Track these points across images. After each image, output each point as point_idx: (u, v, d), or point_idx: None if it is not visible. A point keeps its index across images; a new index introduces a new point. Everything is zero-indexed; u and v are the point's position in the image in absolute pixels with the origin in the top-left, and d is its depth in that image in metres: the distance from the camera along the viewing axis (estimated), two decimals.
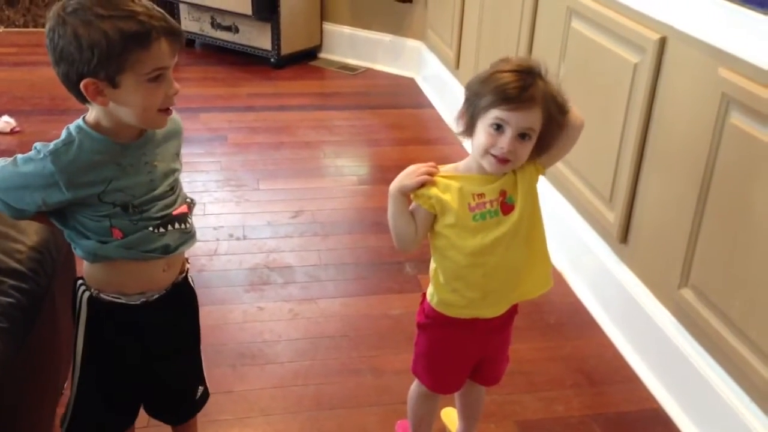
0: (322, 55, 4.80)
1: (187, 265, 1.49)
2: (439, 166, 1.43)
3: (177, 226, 1.37)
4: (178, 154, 1.41)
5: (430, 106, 4.12)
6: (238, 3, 4.38)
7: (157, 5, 1.26)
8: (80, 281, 1.39)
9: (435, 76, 4.15)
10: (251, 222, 2.85)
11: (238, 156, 3.42)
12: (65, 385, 1.75)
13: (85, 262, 1.36)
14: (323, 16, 4.73)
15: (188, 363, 1.55)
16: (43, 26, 1.23)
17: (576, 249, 2.52)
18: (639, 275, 2.19)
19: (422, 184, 1.39)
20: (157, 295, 1.40)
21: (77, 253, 1.35)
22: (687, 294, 1.93)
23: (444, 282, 1.46)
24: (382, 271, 2.57)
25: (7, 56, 4.62)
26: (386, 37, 4.57)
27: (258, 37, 4.53)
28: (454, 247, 1.42)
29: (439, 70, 4.06)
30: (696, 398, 1.90)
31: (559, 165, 2.58)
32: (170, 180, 1.36)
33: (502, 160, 1.35)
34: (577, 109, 1.41)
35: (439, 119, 3.91)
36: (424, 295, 1.55)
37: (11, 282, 1.48)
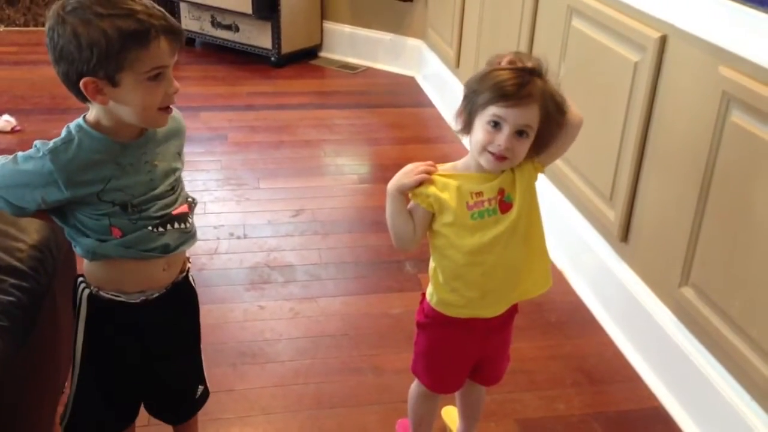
0: (323, 54, 4.80)
1: (188, 265, 1.49)
2: (437, 165, 1.43)
3: (177, 225, 1.37)
4: (179, 154, 1.41)
5: (430, 105, 4.12)
6: (239, 2, 4.38)
7: (157, 4, 1.26)
8: (80, 279, 1.39)
9: (435, 75, 4.15)
10: (252, 221, 2.85)
11: (238, 155, 3.42)
12: (66, 383, 1.76)
13: (85, 260, 1.36)
14: (323, 14, 4.73)
15: (188, 362, 1.55)
16: (44, 25, 1.23)
17: (576, 248, 2.52)
18: (639, 274, 2.19)
19: (420, 183, 1.39)
20: (156, 294, 1.40)
21: (77, 251, 1.35)
22: (687, 292, 1.93)
23: (443, 281, 1.46)
24: (382, 270, 2.57)
25: (7, 55, 4.62)
26: (386, 36, 4.57)
27: (258, 36, 4.53)
28: (452, 245, 1.42)
29: (440, 69, 4.06)
30: (696, 396, 1.90)
31: (560, 163, 2.58)
32: (171, 179, 1.36)
33: (500, 158, 1.35)
34: (575, 107, 1.40)
35: (439, 118, 3.91)
36: (424, 294, 1.55)
37: (12, 280, 1.48)
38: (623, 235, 2.25)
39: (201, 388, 1.58)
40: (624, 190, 2.21)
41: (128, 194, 1.29)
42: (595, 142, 2.34)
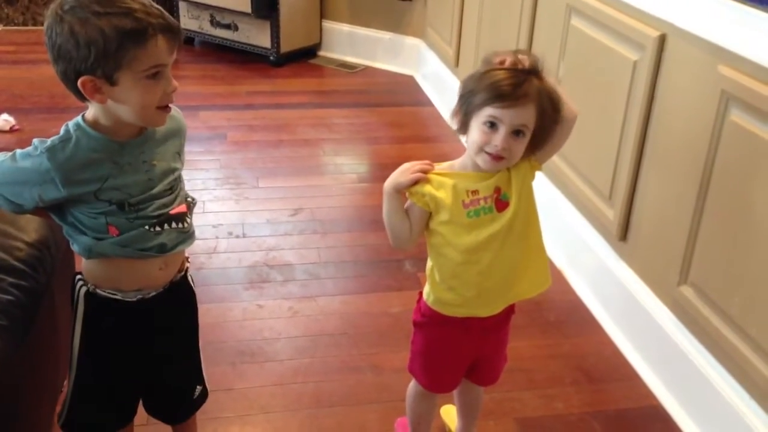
0: (322, 53, 4.80)
1: (187, 264, 1.48)
2: (434, 164, 1.43)
3: (174, 225, 1.36)
4: (179, 154, 1.41)
5: (429, 103, 4.12)
6: (238, 1, 4.38)
7: (156, 2, 1.25)
8: (78, 276, 1.39)
9: (434, 74, 4.15)
10: (251, 220, 2.85)
11: (237, 154, 3.42)
12: (64, 381, 1.75)
13: (82, 258, 1.36)
14: (322, 14, 4.73)
15: (186, 362, 1.55)
16: (42, 24, 1.23)
17: (575, 247, 2.52)
18: (638, 273, 2.19)
19: (416, 182, 1.39)
20: (154, 293, 1.39)
21: (74, 248, 1.35)
22: (686, 291, 1.93)
23: (440, 280, 1.46)
24: (381, 269, 2.57)
25: (6, 54, 4.62)
26: (386, 35, 4.57)
27: (257, 35, 4.53)
28: (449, 244, 1.42)
29: (439, 68, 4.06)
30: (695, 395, 1.90)
31: (559, 162, 2.58)
32: (169, 179, 1.36)
33: (497, 158, 1.35)
34: (571, 101, 1.40)
35: (438, 117, 3.91)
36: (421, 293, 1.55)
37: (10, 279, 1.48)
38: (622, 234, 2.25)
39: (199, 388, 1.57)
40: (623, 189, 2.21)
41: (125, 193, 1.29)
42: (594, 141, 2.34)
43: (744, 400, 1.74)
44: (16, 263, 1.53)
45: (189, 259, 1.50)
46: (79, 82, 1.21)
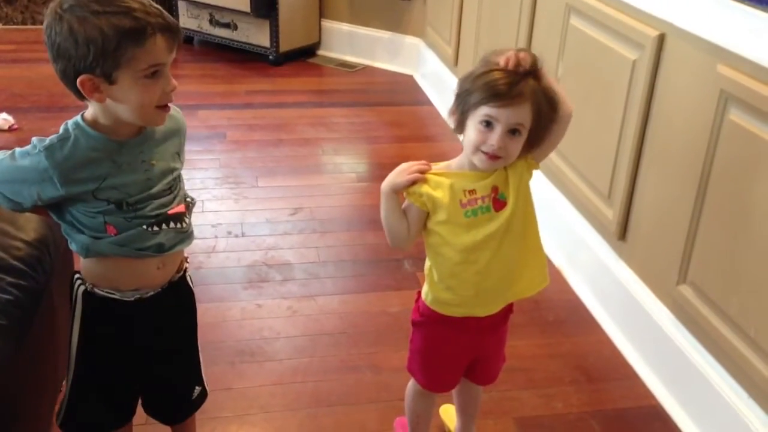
0: (321, 52, 4.80)
1: (186, 264, 1.48)
2: (431, 164, 1.43)
3: (172, 225, 1.36)
4: (179, 154, 1.40)
5: (428, 103, 4.12)
6: (237, 0, 4.38)
7: (155, 2, 1.26)
8: (77, 275, 1.39)
9: (433, 73, 4.15)
10: (250, 219, 2.85)
11: (236, 153, 3.42)
12: (63, 381, 1.75)
13: (81, 257, 1.36)
14: (322, 13, 4.73)
15: (184, 362, 1.54)
16: (41, 23, 1.23)
17: (574, 246, 2.52)
18: (637, 272, 2.19)
19: (414, 182, 1.39)
20: (151, 293, 1.39)
21: (72, 247, 1.35)
22: (685, 291, 1.93)
23: (438, 280, 1.46)
24: (380, 268, 2.57)
25: (5, 53, 4.62)
26: (385, 35, 4.57)
27: (256, 34, 4.53)
28: (446, 243, 1.42)
29: (438, 68, 4.05)
30: (694, 395, 1.90)
31: (558, 162, 2.59)
32: (168, 179, 1.36)
33: (493, 157, 1.35)
34: (568, 99, 1.39)
35: (437, 116, 3.91)
36: (419, 293, 1.55)
37: (9, 279, 1.48)
38: (621, 234, 2.25)
39: (198, 389, 1.57)
40: (622, 188, 2.21)
41: (124, 193, 1.29)
42: (593, 140, 2.35)
43: (743, 399, 1.74)
44: (15, 262, 1.52)
45: (188, 259, 1.49)
46: (78, 81, 1.21)
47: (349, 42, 4.70)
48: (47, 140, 1.25)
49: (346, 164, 3.45)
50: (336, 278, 2.52)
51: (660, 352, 2.04)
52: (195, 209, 1.46)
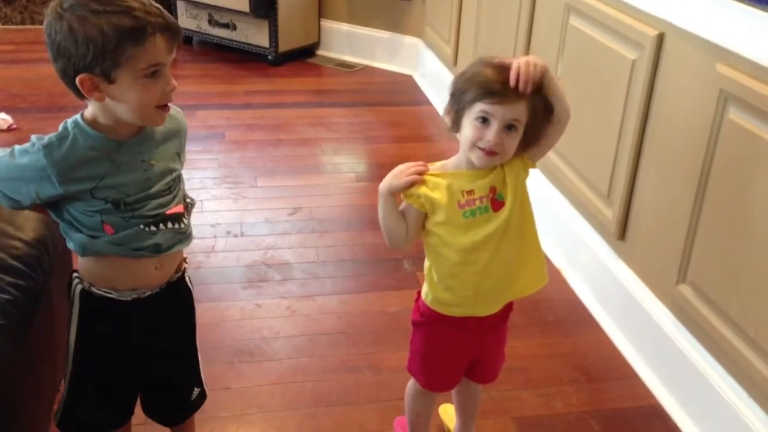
0: (320, 52, 4.80)
1: (185, 265, 1.48)
2: (428, 164, 1.43)
3: (170, 225, 1.36)
4: (179, 154, 1.40)
5: (427, 103, 4.12)
6: (236, 0, 4.38)
7: (155, 1, 1.25)
8: (75, 274, 1.39)
9: (433, 73, 4.15)
10: (249, 219, 2.85)
11: (235, 153, 3.42)
12: (62, 381, 1.75)
13: (78, 255, 1.36)
14: (321, 13, 4.73)
15: (182, 363, 1.53)
16: (40, 23, 1.23)
17: (574, 245, 2.52)
18: (637, 272, 2.19)
19: (411, 184, 1.39)
20: (149, 293, 1.39)
21: (70, 246, 1.35)
22: (685, 290, 1.93)
23: (438, 280, 1.46)
24: (380, 268, 2.57)
25: (4, 53, 4.61)
26: (384, 35, 4.57)
27: (256, 35, 4.53)
28: (445, 244, 1.42)
29: (437, 68, 4.05)
30: (694, 394, 1.90)
31: (557, 161, 2.59)
32: (167, 179, 1.35)
33: (490, 153, 1.35)
34: (566, 99, 1.39)
35: (436, 116, 3.90)
36: (419, 293, 1.55)
37: (8, 279, 1.48)
38: (620, 233, 2.25)
39: (197, 390, 1.56)
40: (621, 188, 2.21)
41: (122, 192, 1.29)
42: (592, 140, 2.35)
43: (742, 398, 1.74)
44: (13, 262, 1.52)
45: (187, 260, 1.49)
46: (77, 80, 1.20)
47: (349, 42, 4.70)
48: (46, 138, 1.25)
49: (346, 164, 3.45)
50: (335, 278, 2.52)
51: (659, 351, 2.04)
52: (194, 209, 1.46)
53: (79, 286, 1.37)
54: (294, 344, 2.18)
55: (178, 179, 1.40)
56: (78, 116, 1.28)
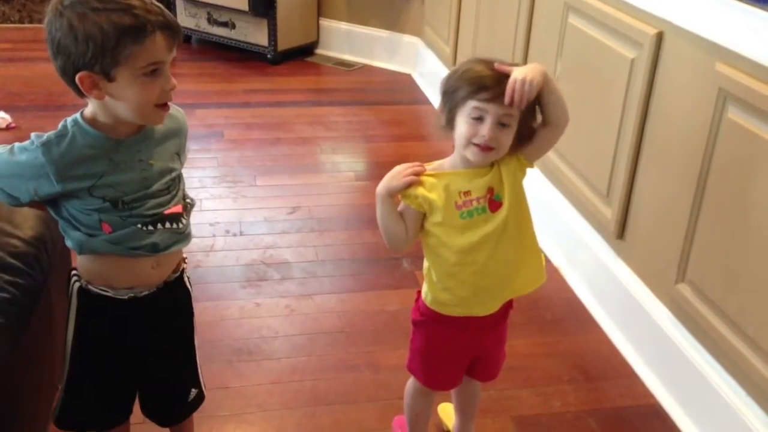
0: (319, 51, 4.80)
1: (184, 265, 1.47)
2: (425, 164, 1.43)
3: (168, 225, 1.35)
4: (179, 154, 1.40)
5: (426, 102, 4.12)
6: None
7: (155, 0, 1.25)
8: (74, 272, 1.39)
9: (432, 72, 4.15)
10: (248, 218, 2.85)
11: (234, 152, 3.42)
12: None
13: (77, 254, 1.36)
14: (320, 11, 4.72)
15: (180, 363, 1.53)
16: (39, 22, 1.24)
17: (573, 244, 2.52)
18: (636, 271, 2.19)
19: (409, 185, 1.39)
20: (146, 292, 1.39)
21: (68, 243, 1.35)
22: (684, 289, 1.93)
23: (436, 280, 1.46)
24: (379, 267, 2.57)
25: (2, 52, 4.60)
26: (383, 33, 4.56)
27: (254, 33, 4.52)
28: (443, 245, 1.42)
29: (436, 67, 4.05)
30: (693, 394, 1.90)
31: (557, 160, 2.59)
32: (166, 179, 1.35)
33: (486, 148, 1.35)
34: (564, 103, 1.39)
35: (435, 115, 3.90)
36: (419, 292, 1.55)
37: (7, 277, 1.47)
38: (620, 232, 2.25)
39: (195, 390, 1.55)
40: (620, 187, 2.21)
41: (120, 191, 1.29)
42: (591, 139, 2.34)
43: (741, 398, 1.74)
44: (12, 260, 1.52)
45: (186, 260, 1.49)
46: (77, 78, 1.20)
47: (348, 41, 4.70)
48: (45, 136, 1.25)
49: (344, 163, 3.45)
50: (334, 277, 2.52)
51: (658, 351, 2.04)
52: (193, 208, 1.46)
53: (77, 284, 1.37)
54: (293, 343, 2.18)
55: (178, 179, 1.39)
56: (78, 115, 1.28)
